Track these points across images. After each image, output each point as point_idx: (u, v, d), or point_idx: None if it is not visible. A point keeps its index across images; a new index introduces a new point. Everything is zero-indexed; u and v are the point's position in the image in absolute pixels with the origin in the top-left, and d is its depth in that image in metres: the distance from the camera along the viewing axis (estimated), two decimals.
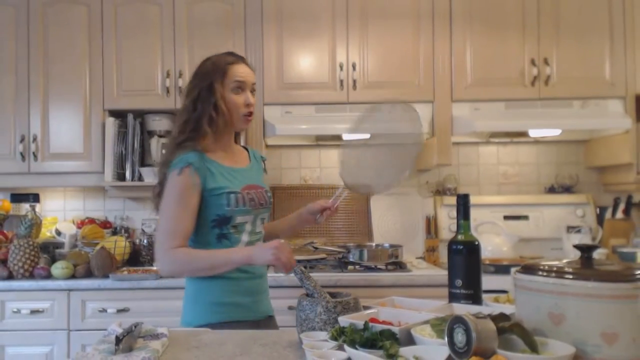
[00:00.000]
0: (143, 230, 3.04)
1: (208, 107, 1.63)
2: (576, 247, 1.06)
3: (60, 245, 2.88)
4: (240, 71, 1.68)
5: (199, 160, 1.59)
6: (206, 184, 1.60)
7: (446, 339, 0.93)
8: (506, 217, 3.04)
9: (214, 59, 1.69)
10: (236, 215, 1.62)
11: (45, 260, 2.66)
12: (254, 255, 1.52)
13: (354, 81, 2.82)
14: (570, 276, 0.96)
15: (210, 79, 1.65)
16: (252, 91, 1.72)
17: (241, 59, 1.72)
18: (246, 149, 1.86)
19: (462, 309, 1.23)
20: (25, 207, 3.06)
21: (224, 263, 1.56)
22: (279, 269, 1.48)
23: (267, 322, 1.72)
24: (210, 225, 1.62)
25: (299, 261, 2.19)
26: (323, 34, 2.84)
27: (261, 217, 1.72)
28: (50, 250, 2.83)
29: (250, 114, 1.71)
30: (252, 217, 1.67)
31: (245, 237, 1.66)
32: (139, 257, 2.88)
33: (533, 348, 0.93)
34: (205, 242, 1.62)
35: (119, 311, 2.52)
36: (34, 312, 2.52)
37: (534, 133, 2.94)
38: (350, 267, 2.63)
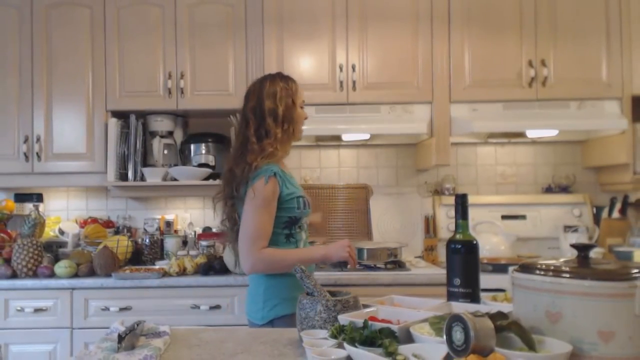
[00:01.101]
0: (145, 229, 3.04)
1: (290, 121, 1.83)
2: (573, 246, 1.06)
3: (63, 244, 2.89)
4: (301, 90, 1.91)
5: (280, 170, 1.78)
6: (283, 191, 1.77)
7: (445, 337, 0.93)
8: (504, 217, 3.04)
9: (283, 80, 1.87)
10: (304, 216, 1.82)
11: (48, 260, 2.66)
12: (330, 252, 1.78)
13: (354, 82, 2.82)
14: (567, 275, 0.96)
15: (292, 95, 1.85)
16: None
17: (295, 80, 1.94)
18: None
19: (461, 307, 1.23)
20: (28, 207, 3.06)
21: (307, 259, 1.76)
22: (350, 264, 1.78)
23: None
24: (282, 226, 1.78)
25: None
26: (323, 35, 2.84)
27: (306, 218, 1.90)
28: (54, 249, 2.83)
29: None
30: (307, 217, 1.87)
31: (304, 235, 1.86)
32: (141, 256, 2.88)
33: (530, 346, 0.93)
34: (275, 241, 1.77)
35: (122, 310, 2.52)
36: (37, 310, 2.52)
37: (531, 134, 2.94)
38: (349, 266, 2.62)
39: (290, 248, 1.81)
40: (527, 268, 1.04)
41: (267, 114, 1.81)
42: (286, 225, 1.79)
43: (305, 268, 1.32)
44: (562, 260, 1.05)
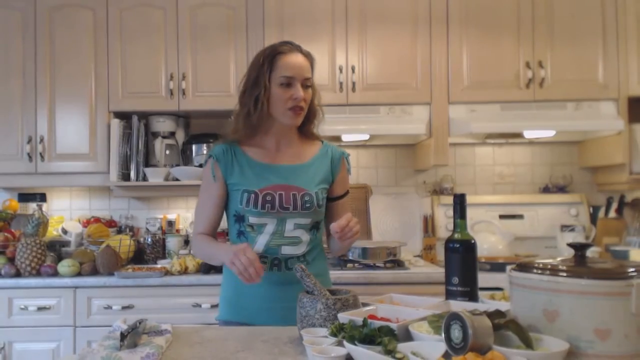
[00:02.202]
0: (147, 229, 3.04)
1: (249, 101, 1.55)
2: (570, 245, 1.06)
3: (66, 243, 2.89)
4: (290, 63, 1.55)
5: (223, 152, 1.59)
6: (227, 178, 1.59)
7: (443, 335, 0.93)
8: (502, 216, 3.03)
9: (265, 49, 1.60)
10: (248, 215, 1.56)
11: (51, 259, 2.66)
12: (223, 255, 1.46)
13: (353, 83, 2.82)
14: (564, 274, 0.96)
15: (256, 71, 1.56)
16: (306, 86, 1.57)
17: (295, 49, 1.59)
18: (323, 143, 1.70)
19: (459, 305, 1.23)
20: (32, 207, 3.05)
21: (213, 256, 1.58)
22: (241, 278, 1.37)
23: None
24: (232, 219, 1.61)
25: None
26: (323, 37, 2.84)
27: (296, 221, 1.56)
28: (57, 248, 2.83)
29: (299, 108, 1.55)
30: (276, 220, 1.55)
31: (263, 239, 1.56)
32: (143, 255, 2.88)
33: (528, 344, 0.93)
34: (230, 234, 1.64)
35: (124, 308, 2.52)
36: (40, 309, 2.52)
37: (528, 134, 2.94)
38: (349, 265, 2.62)
39: None
40: (524, 267, 1.04)
41: (241, 86, 1.61)
42: (235, 220, 1.59)
43: (305, 267, 1.32)
44: (559, 259, 1.05)
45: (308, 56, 1.62)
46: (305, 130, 1.66)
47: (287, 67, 1.54)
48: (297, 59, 1.57)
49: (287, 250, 1.57)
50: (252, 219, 1.56)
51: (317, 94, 1.63)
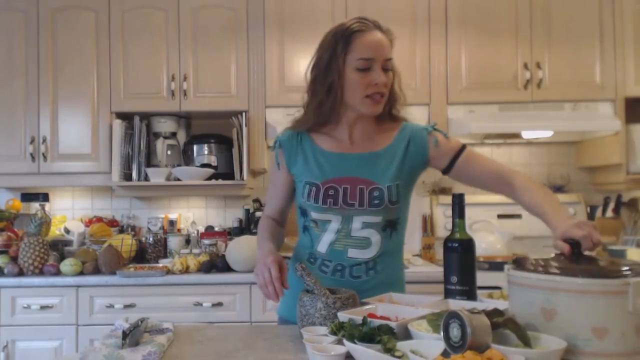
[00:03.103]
0: (149, 228, 3.04)
1: (321, 89, 1.36)
2: (566, 241, 1.06)
3: (69, 243, 2.89)
4: (369, 43, 1.33)
5: (288, 139, 1.44)
6: (291, 168, 1.44)
7: (442, 333, 0.93)
8: (500, 216, 3.04)
9: (337, 27, 1.37)
10: (310, 209, 1.40)
11: (54, 258, 2.66)
12: (258, 256, 1.34)
13: None
14: (562, 272, 0.96)
15: (328, 53, 1.34)
16: (386, 69, 1.36)
17: (373, 25, 1.37)
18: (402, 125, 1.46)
19: (458, 304, 1.23)
20: (35, 206, 3.05)
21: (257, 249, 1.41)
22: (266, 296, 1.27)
23: None
24: (298, 212, 1.47)
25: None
26: None
27: (364, 219, 1.37)
28: (59, 247, 2.83)
29: (379, 95, 1.35)
30: (340, 217, 1.38)
31: (327, 237, 1.40)
32: (145, 254, 2.88)
33: (526, 342, 0.93)
34: (299, 228, 1.50)
35: (126, 307, 2.52)
36: (43, 307, 2.52)
37: (526, 134, 2.94)
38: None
39: (306, 242, 1.47)
40: (521, 265, 1.04)
41: (309, 72, 1.42)
42: (301, 213, 1.46)
43: (305, 266, 1.32)
44: (552, 255, 1.05)
45: (388, 33, 1.40)
46: (384, 114, 1.43)
47: (365, 47, 1.33)
48: (375, 36, 1.35)
49: (353, 253, 1.39)
50: (314, 214, 1.40)
51: (397, 77, 1.42)
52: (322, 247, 1.41)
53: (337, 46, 1.33)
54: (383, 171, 1.39)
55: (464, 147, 1.43)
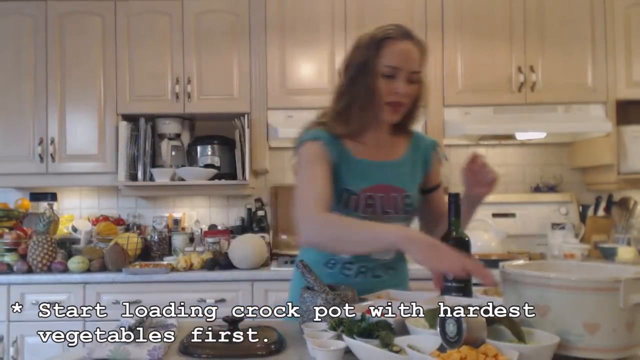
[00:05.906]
0: (154, 227, 3.04)
1: (361, 89, 1.31)
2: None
3: (76, 241, 2.89)
4: (398, 51, 1.30)
5: (331, 140, 1.33)
6: (335, 168, 1.31)
7: (438, 329, 0.93)
8: (494, 215, 3.03)
9: (374, 30, 1.36)
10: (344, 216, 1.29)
11: (62, 255, 2.66)
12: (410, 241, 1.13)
13: None
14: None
15: (365, 55, 1.31)
16: (412, 82, 1.34)
17: (406, 34, 1.34)
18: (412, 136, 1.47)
19: (454, 301, 1.23)
20: (43, 206, 3.05)
21: (374, 239, 1.15)
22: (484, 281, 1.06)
23: None
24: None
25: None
26: (323, 42, 2.84)
27: (398, 224, 1.32)
28: (67, 245, 2.83)
29: (398, 104, 1.33)
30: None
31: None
32: (150, 252, 2.88)
33: (520, 338, 0.93)
34: None
35: (132, 303, 2.52)
36: (51, 303, 2.52)
37: (520, 136, 2.94)
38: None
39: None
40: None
41: (345, 74, 1.37)
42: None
43: (306, 264, 1.28)
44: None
45: (419, 45, 1.36)
46: (398, 125, 1.42)
47: (393, 55, 1.30)
48: (405, 46, 1.32)
49: (376, 255, 1.38)
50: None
51: (424, 92, 1.40)
52: (354, 268, 1.38)
53: (370, 48, 1.32)
54: (409, 178, 1.41)
55: (441, 183, 1.52)
